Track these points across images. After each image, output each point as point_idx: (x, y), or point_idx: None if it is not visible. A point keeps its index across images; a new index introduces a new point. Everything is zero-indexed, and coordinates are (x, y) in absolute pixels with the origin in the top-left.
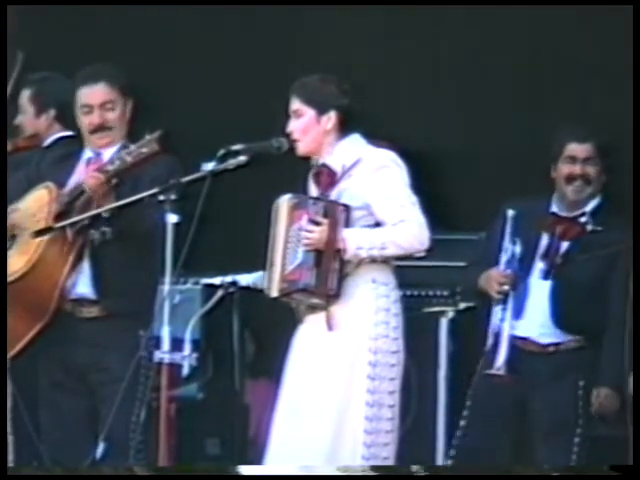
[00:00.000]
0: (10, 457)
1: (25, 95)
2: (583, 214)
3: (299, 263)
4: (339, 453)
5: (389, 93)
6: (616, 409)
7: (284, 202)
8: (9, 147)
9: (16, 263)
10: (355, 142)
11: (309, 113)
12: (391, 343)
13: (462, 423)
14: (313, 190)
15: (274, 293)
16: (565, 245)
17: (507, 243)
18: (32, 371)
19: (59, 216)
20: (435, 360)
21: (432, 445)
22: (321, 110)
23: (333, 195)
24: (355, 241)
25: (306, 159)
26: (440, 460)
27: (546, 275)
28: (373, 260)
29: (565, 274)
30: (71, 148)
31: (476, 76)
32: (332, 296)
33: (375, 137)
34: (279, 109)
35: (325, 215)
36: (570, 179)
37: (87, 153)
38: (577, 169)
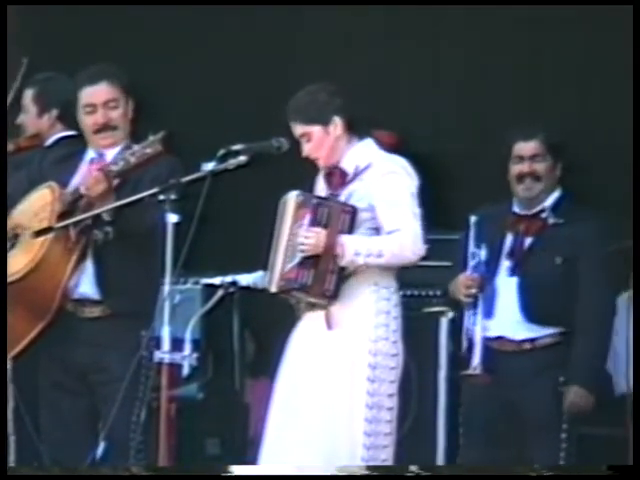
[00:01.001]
0: (11, 457)
1: (28, 95)
2: (543, 210)
3: (298, 262)
4: (337, 454)
5: (389, 93)
6: (588, 408)
7: (291, 198)
8: (11, 147)
9: (19, 262)
10: (369, 146)
11: (315, 131)
12: (391, 346)
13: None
14: (323, 189)
15: (273, 289)
16: (528, 240)
17: (473, 248)
18: (33, 371)
19: (62, 215)
20: (435, 360)
21: (432, 445)
22: (325, 122)
23: (343, 196)
24: (353, 247)
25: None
26: (440, 460)
27: (512, 272)
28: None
29: (530, 268)
30: (73, 148)
31: (476, 76)
32: (328, 297)
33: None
34: (279, 109)
35: (328, 218)
36: (520, 178)
37: (90, 153)
38: (525, 167)
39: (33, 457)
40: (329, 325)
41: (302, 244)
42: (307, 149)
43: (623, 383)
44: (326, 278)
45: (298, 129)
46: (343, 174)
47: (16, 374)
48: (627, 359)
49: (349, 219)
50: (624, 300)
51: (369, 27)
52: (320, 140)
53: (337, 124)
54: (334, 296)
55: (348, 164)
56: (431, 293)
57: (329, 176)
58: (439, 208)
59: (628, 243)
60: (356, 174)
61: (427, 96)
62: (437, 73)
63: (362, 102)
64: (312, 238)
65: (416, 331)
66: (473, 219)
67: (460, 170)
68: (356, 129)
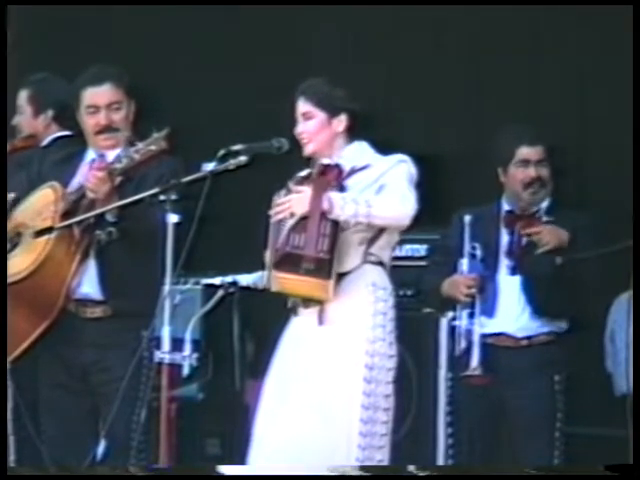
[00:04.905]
0: (11, 457)
1: (23, 95)
2: (539, 210)
3: (288, 229)
4: (332, 455)
5: (388, 93)
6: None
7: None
8: (7, 148)
9: (23, 261)
10: (365, 148)
11: (320, 116)
12: (388, 347)
13: (450, 430)
14: None
15: (273, 288)
16: (525, 239)
17: (467, 247)
18: (33, 371)
19: (66, 214)
20: (435, 360)
21: (432, 445)
22: (332, 113)
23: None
24: (340, 197)
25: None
26: (440, 461)
27: (513, 271)
28: (370, 260)
29: (530, 266)
30: (73, 149)
31: (476, 76)
32: (324, 260)
33: (376, 140)
34: (280, 109)
35: (305, 179)
36: (527, 183)
37: (90, 154)
38: (532, 172)
39: (33, 457)
40: (320, 321)
41: (281, 210)
42: (303, 127)
43: (623, 383)
44: (318, 240)
45: (305, 106)
46: (340, 172)
47: (16, 374)
48: (627, 359)
49: (334, 175)
50: (624, 300)
51: (370, 27)
52: (319, 126)
53: (342, 121)
54: (330, 260)
55: (345, 162)
56: None
57: (322, 174)
58: (439, 208)
59: (628, 243)
60: (352, 172)
61: (427, 96)
62: (437, 73)
63: (368, 105)
64: (293, 199)
65: (416, 331)
66: (467, 218)
67: (461, 170)
68: (357, 131)
